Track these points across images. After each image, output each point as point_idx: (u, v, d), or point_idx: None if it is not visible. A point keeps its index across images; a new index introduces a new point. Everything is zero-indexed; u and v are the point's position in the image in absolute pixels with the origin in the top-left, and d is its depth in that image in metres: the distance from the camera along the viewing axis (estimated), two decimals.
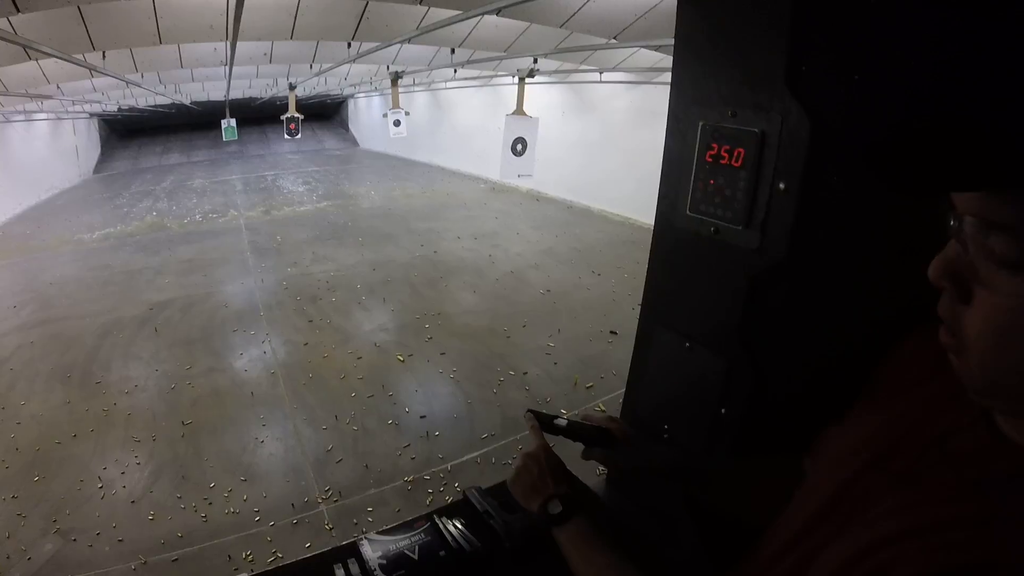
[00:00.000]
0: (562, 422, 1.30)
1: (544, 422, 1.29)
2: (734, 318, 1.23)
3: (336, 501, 5.46)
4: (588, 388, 7.10)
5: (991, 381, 0.59)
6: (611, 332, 8.15)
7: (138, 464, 5.93)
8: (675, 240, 1.34)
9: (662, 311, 1.44)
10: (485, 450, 6.06)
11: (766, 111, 1.09)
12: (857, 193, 1.06)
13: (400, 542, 1.26)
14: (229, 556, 4.90)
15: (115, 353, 8.22)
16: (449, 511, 1.35)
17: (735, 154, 1.15)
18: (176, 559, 4.90)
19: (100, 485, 5.64)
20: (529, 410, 1.32)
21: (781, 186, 1.09)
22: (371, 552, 1.22)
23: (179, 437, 6.36)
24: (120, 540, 5.05)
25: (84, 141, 24.80)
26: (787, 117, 1.05)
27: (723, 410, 1.31)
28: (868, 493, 0.72)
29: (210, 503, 5.43)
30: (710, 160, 1.21)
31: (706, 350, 1.33)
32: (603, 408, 6.57)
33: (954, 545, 0.56)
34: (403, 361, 7.84)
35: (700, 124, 1.22)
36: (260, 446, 6.22)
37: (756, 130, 1.11)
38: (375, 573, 1.18)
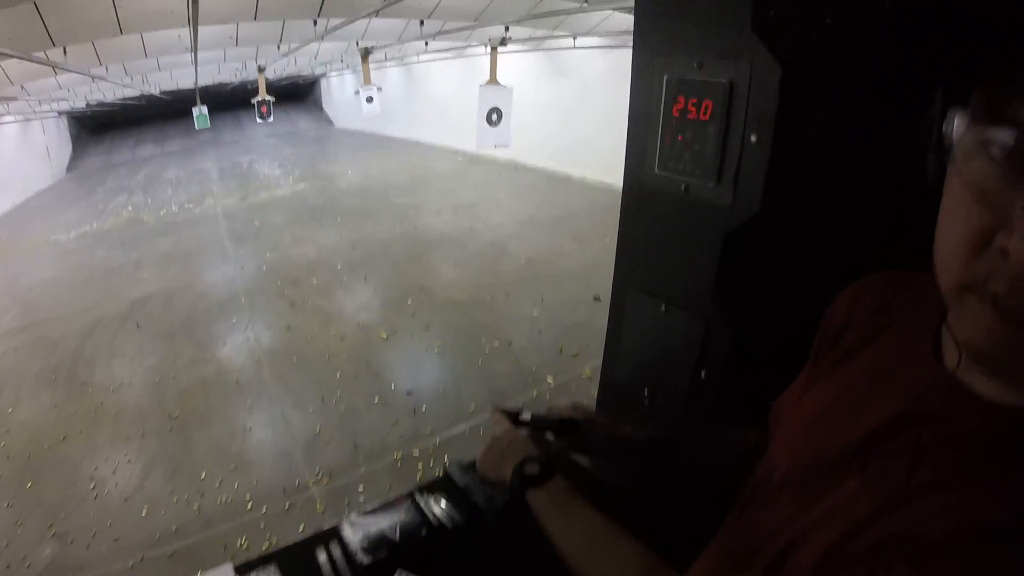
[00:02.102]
0: (526, 416, 1.29)
1: (509, 418, 1.27)
2: (709, 278, 1.22)
3: (327, 483, 5.48)
4: (574, 356, 7.10)
5: None
6: (594, 298, 8.11)
7: (128, 461, 5.91)
8: (645, 200, 1.32)
9: (636, 274, 1.43)
10: (473, 422, 6.08)
11: (733, 60, 1.06)
12: (832, 141, 1.04)
13: (381, 523, 1.24)
14: (225, 546, 4.91)
15: (99, 352, 8.16)
16: (431, 488, 1.32)
17: (703, 107, 1.12)
18: (172, 553, 4.91)
19: (93, 486, 5.63)
20: (495, 408, 1.30)
21: (752, 138, 1.06)
22: (353, 535, 1.21)
23: (168, 431, 6.34)
24: (116, 539, 5.06)
25: (54, 140, 24.36)
26: (756, 65, 1.02)
27: (702, 372, 1.30)
28: (835, 464, 0.67)
29: (202, 494, 5.43)
30: (677, 114, 1.18)
31: (682, 312, 1.31)
32: (589, 374, 6.59)
33: (966, 502, 0.51)
34: (387, 338, 7.84)
35: (665, 77, 1.19)
36: (249, 433, 6.22)
37: (724, 81, 1.07)
38: (356, 556, 1.16)
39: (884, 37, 0.96)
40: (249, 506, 5.25)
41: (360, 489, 5.38)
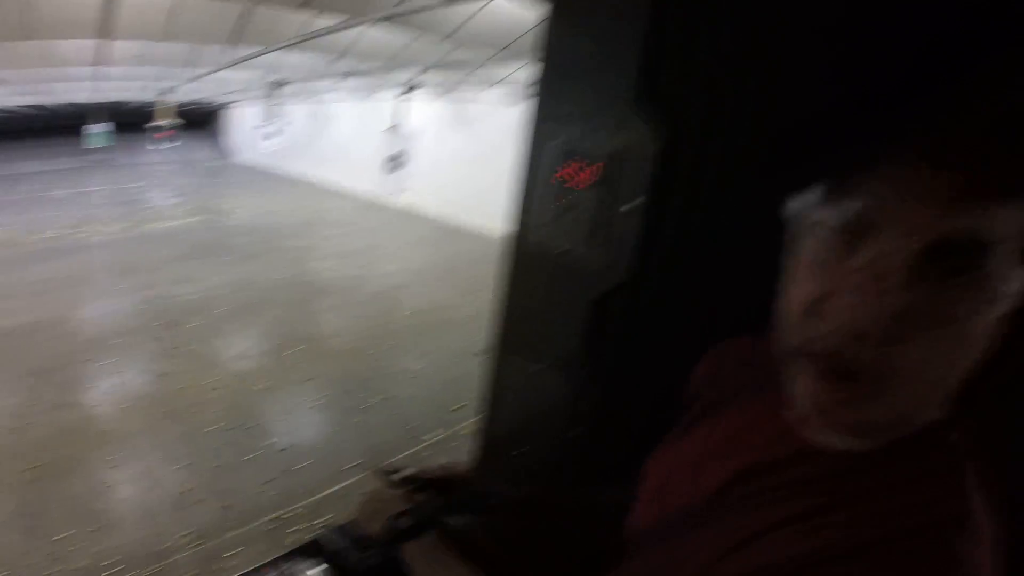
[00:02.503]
0: (403, 475, 1.28)
1: (387, 476, 1.27)
2: (580, 340, 1.26)
3: (196, 545, 5.17)
4: (456, 410, 7.09)
5: (909, 417, 0.59)
6: (480, 352, 8.05)
7: None
8: (524, 261, 1.37)
9: (512, 332, 1.46)
10: (351, 481, 5.91)
11: (616, 131, 1.11)
12: (704, 213, 1.11)
13: None
14: None
15: None
16: (301, 552, 1.30)
17: (585, 173, 1.17)
18: None
19: None
20: (372, 468, 1.32)
21: (628, 207, 1.11)
22: None
23: (26, 483, 5.86)
24: None
25: None
26: (637, 137, 1.08)
27: (574, 432, 1.34)
28: (690, 515, 0.73)
29: (61, 555, 5.03)
30: (560, 179, 1.22)
31: (554, 372, 1.35)
32: (471, 430, 6.54)
33: (815, 530, 0.58)
34: (265, 390, 7.62)
35: (552, 142, 1.24)
36: (112, 490, 5.84)
37: (606, 150, 1.13)
38: None
39: (758, 118, 1.00)
40: (112, 571, 4.90)
41: (232, 552, 5.12)
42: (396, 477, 1.26)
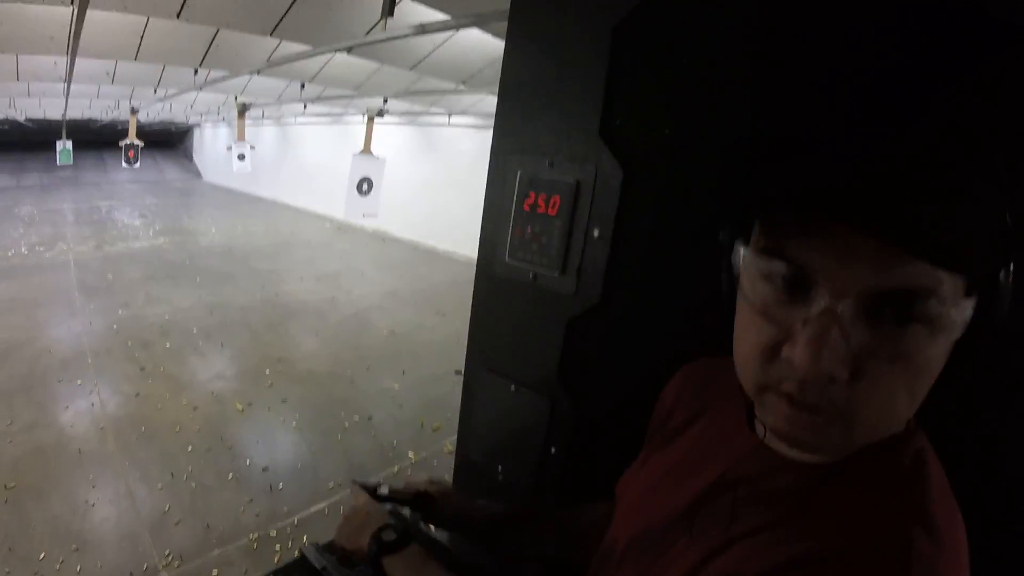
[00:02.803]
0: (384, 491, 1.30)
1: (367, 491, 1.29)
2: (554, 360, 1.28)
3: (178, 566, 5.11)
4: (435, 430, 7.06)
5: (862, 441, 0.61)
6: (456, 372, 8.03)
7: None
8: (496, 286, 1.40)
9: (487, 355, 1.48)
10: (332, 500, 5.88)
11: (581, 162, 1.16)
12: (667, 239, 1.12)
13: None
14: None
15: None
16: (286, 571, 1.30)
17: (551, 202, 1.22)
18: None
19: None
20: (353, 481, 1.32)
21: (595, 233, 1.16)
22: None
23: (2, 502, 5.77)
24: None
25: None
26: (600, 167, 1.13)
27: (551, 450, 1.35)
28: (664, 531, 0.74)
29: None
30: (528, 208, 1.26)
31: (530, 392, 1.37)
32: (451, 449, 6.54)
33: (781, 541, 0.60)
34: (242, 410, 7.52)
35: (518, 172, 1.28)
36: (91, 509, 5.73)
37: (571, 180, 1.18)
38: None
39: (715, 150, 1.05)
40: None
41: (214, 572, 5.06)
42: (379, 492, 1.29)
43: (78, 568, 5.01)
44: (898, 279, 0.53)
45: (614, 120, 1.11)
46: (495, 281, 1.39)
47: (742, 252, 0.64)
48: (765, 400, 0.63)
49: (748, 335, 0.64)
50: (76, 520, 5.56)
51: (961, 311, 0.54)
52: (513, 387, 1.41)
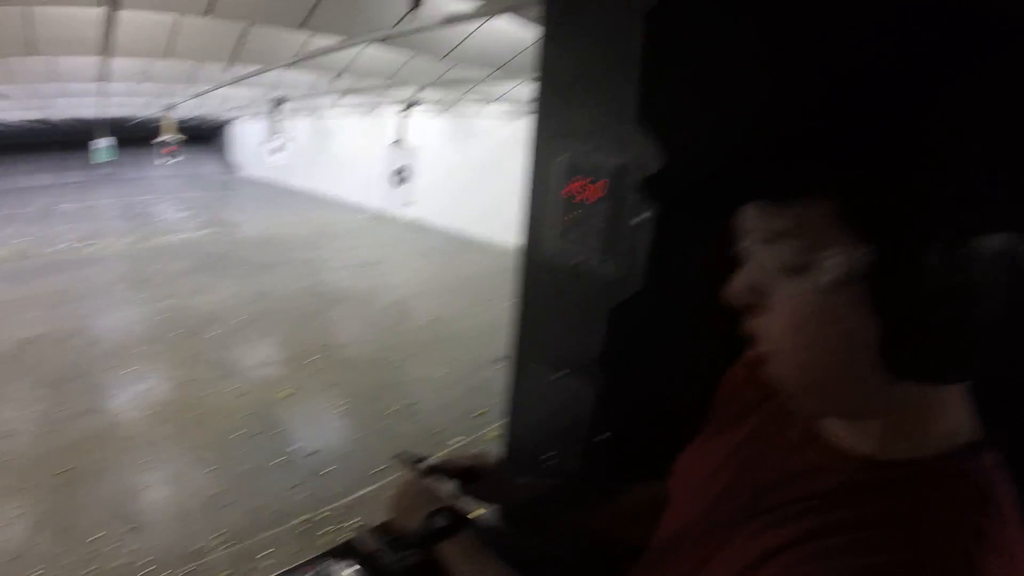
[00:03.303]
0: (428, 463, 1.30)
1: (414, 464, 1.29)
2: (599, 347, 1.27)
3: (228, 547, 5.22)
4: (477, 416, 7.08)
5: (798, 379, 0.64)
6: (499, 359, 8.09)
7: (19, 516, 5.51)
8: (539, 273, 1.39)
9: (531, 343, 1.48)
10: (378, 484, 5.92)
11: (623, 145, 1.14)
12: (711, 224, 1.11)
13: None
14: None
15: None
16: (337, 553, 1.30)
17: (594, 187, 1.19)
18: None
19: None
20: (396, 454, 1.32)
21: (639, 218, 1.13)
22: None
23: (60, 485, 5.95)
24: None
25: None
26: (643, 150, 1.10)
27: (596, 436, 1.34)
28: (726, 519, 0.73)
29: (98, 555, 5.10)
30: (570, 194, 1.25)
31: (575, 379, 1.36)
32: (495, 435, 6.57)
33: (835, 550, 0.57)
34: (289, 396, 7.64)
35: (559, 158, 1.26)
36: (146, 491, 5.91)
37: (613, 164, 1.16)
38: None
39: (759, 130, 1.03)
40: (148, 569, 4.96)
41: (264, 553, 5.15)
42: (424, 466, 1.28)
43: (133, 547, 5.15)
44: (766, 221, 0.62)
45: (655, 102, 1.09)
46: (538, 268, 1.38)
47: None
48: None
49: None
50: (130, 501, 5.71)
51: (834, 256, 0.56)
52: (558, 374, 1.40)
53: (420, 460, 1.30)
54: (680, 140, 1.07)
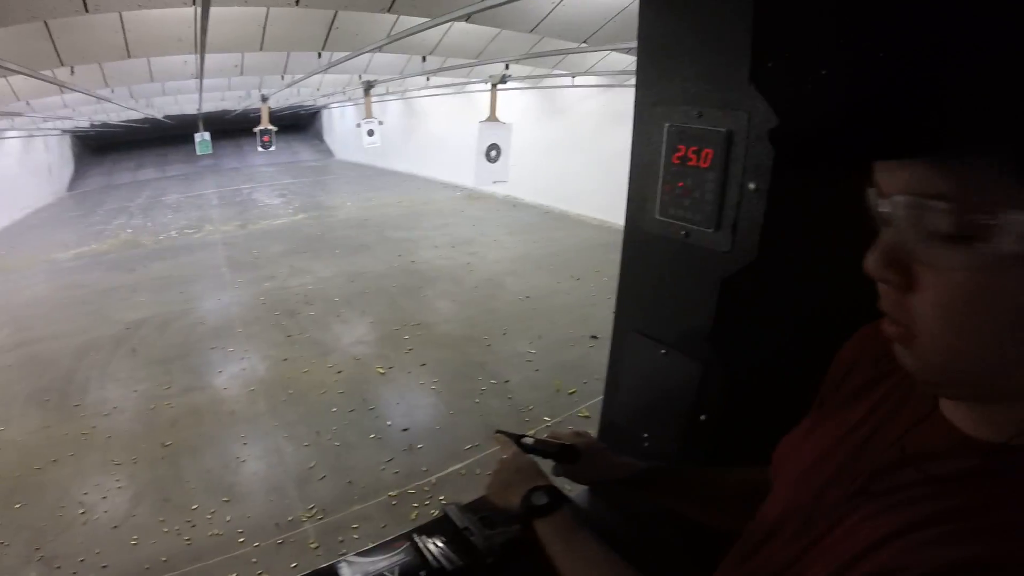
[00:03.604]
0: (529, 440, 1.31)
1: (513, 441, 1.30)
2: (707, 322, 1.22)
3: (320, 519, 5.38)
4: (571, 394, 7.07)
5: (947, 366, 0.57)
6: (591, 337, 8.13)
7: (119, 488, 5.82)
8: (645, 245, 1.33)
9: (636, 317, 1.43)
10: (468, 461, 6.00)
11: (732, 110, 1.08)
12: (827, 189, 1.04)
13: (379, 563, 1.20)
14: None
15: (92, 374, 8.09)
16: (428, 529, 1.29)
17: (703, 155, 1.14)
18: None
19: (82, 511, 5.54)
20: (497, 430, 1.33)
21: (751, 186, 1.07)
22: (350, 575, 1.18)
23: (160, 458, 6.26)
24: (104, 566, 4.95)
25: (56, 158, 24.41)
26: (753, 115, 1.04)
27: (701, 416, 1.30)
28: (838, 502, 0.69)
29: (193, 525, 5.33)
30: (677, 162, 1.19)
31: (681, 355, 1.32)
32: (586, 414, 6.55)
33: (953, 538, 0.53)
34: (383, 373, 7.79)
35: (666, 126, 1.21)
36: (242, 465, 6.15)
37: (723, 129, 1.10)
38: None
39: (876, 87, 0.96)
40: (241, 540, 5.16)
41: (354, 526, 5.28)
42: (524, 442, 1.30)
43: (228, 518, 5.38)
44: (912, 181, 0.53)
45: (765, 62, 1.02)
46: (644, 239, 1.32)
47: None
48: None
49: None
50: (227, 474, 5.97)
51: (1008, 224, 0.47)
52: (663, 350, 1.34)
53: (520, 438, 1.32)
54: (810, 92, 1.00)
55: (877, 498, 0.64)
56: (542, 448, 1.30)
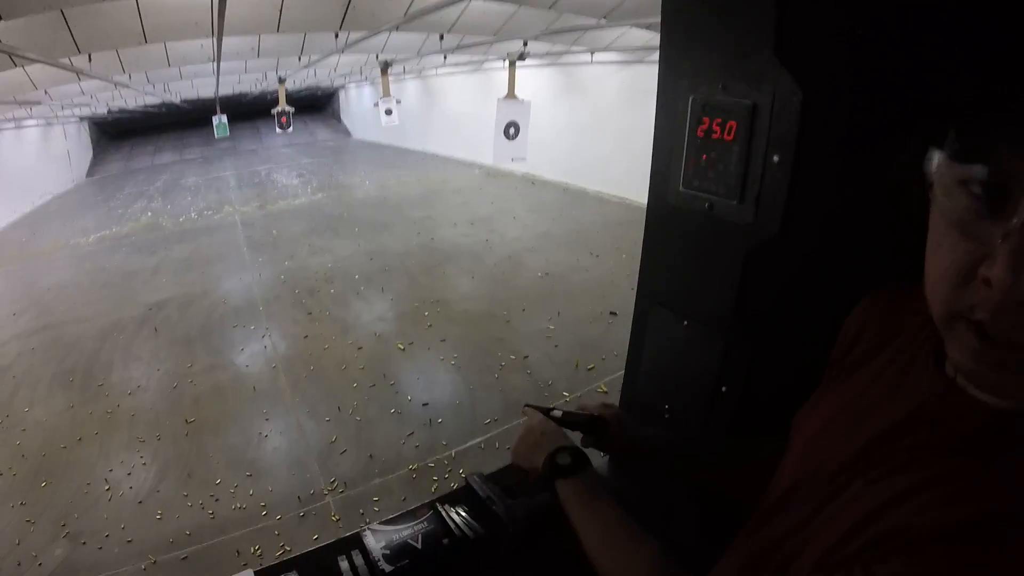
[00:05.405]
0: (557, 413, 1.32)
1: (542, 413, 1.32)
2: (730, 295, 1.22)
3: (342, 492, 5.47)
4: (590, 370, 7.10)
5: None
6: (611, 313, 8.15)
7: (144, 464, 5.94)
8: (669, 217, 1.32)
9: (658, 290, 1.42)
10: (488, 435, 6.07)
11: (757, 82, 1.06)
12: (851, 163, 1.03)
13: (403, 531, 1.21)
14: (238, 551, 4.93)
15: (115, 355, 8.22)
16: (451, 498, 1.30)
17: (727, 127, 1.12)
18: (185, 557, 4.92)
19: (107, 487, 5.66)
20: (527, 404, 1.35)
21: (775, 159, 1.06)
22: (375, 543, 1.19)
23: (183, 435, 6.37)
24: (129, 541, 5.07)
25: (75, 145, 24.55)
26: (778, 88, 1.03)
27: (723, 388, 1.30)
28: (841, 468, 0.70)
29: (217, 500, 5.44)
30: (701, 135, 1.18)
31: (704, 328, 1.31)
32: (605, 389, 6.57)
33: (956, 498, 0.54)
34: (403, 349, 7.85)
35: (690, 98, 1.19)
36: (264, 440, 6.24)
37: (747, 102, 1.08)
38: (379, 564, 1.13)
39: (900, 65, 0.96)
40: (264, 513, 5.27)
41: (375, 499, 5.38)
42: (552, 414, 1.31)
43: (250, 492, 5.48)
44: None
45: (791, 35, 0.99)
46: (668, 212, 1.30)
47: (936, 158, 0.57)
48: (954, 331, 0.57)
49: (940, 254, 0.58)
50: (250, 450, 6.08)
51: None
52: (685, 323, 1.34)
53: (548, 410, 1.33)
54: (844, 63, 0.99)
55: (884, 462, 0.65)
56: (571, 420, 1.32)
